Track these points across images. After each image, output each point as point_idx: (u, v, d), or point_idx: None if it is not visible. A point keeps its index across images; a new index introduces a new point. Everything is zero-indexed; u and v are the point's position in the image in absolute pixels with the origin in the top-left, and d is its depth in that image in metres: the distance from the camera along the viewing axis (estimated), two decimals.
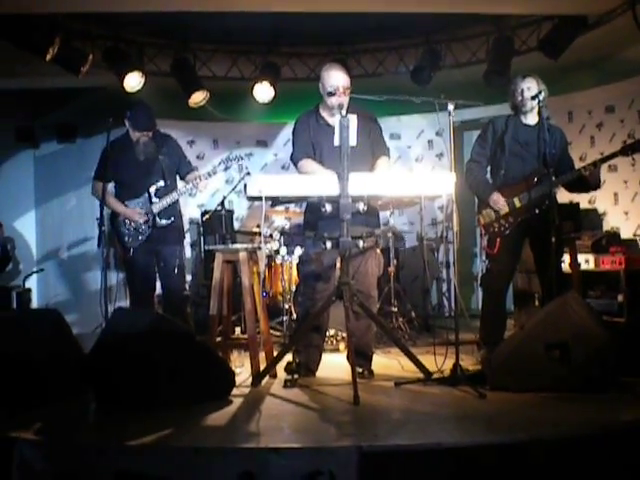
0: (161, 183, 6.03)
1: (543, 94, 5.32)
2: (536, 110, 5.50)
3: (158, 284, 6.24)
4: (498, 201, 5.58)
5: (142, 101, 6.41)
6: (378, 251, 5.70)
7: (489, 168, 5.85)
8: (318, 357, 5.34)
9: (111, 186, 6.18)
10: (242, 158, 6.12)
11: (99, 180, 6.03)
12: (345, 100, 5.12)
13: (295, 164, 5.32)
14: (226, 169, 6.13)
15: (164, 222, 6.03)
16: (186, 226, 9.21)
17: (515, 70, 7.84)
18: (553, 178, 5.41)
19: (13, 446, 3.42)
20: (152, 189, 6.02)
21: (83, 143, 9.58)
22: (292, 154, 5.37)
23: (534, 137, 5.56)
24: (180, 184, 6.16)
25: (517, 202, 5.53)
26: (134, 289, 6.15)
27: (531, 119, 5.65)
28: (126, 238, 6.01)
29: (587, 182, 5.54)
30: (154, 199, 6.02)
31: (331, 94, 5.14)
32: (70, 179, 9.51)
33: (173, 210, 6.10)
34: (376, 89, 5.22)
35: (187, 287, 6.37)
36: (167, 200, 6.00)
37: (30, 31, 7.02)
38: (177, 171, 6.18)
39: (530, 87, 5.52)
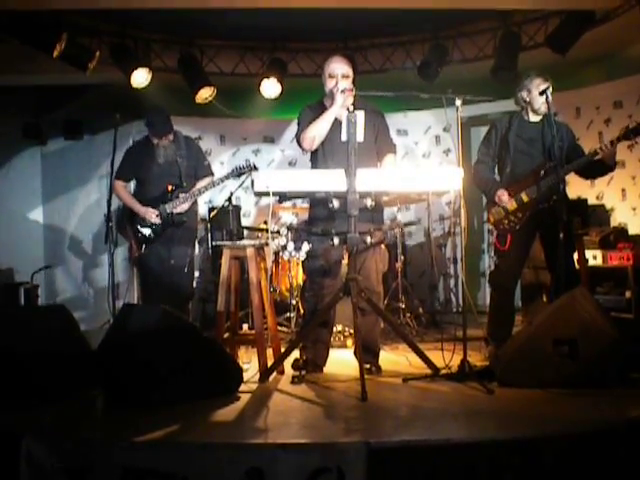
0: (178, 184, 6.20)
1: (550, 89, 5.32)
2: (544, 107, 5.48)
3: None
4: (502, 197, 5.58)
5: (157, 106, 6.59)
6: (383, 247, 5.69)
7: (497, 168, 5.86)
8: (325, 353, 5.34)
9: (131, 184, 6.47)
10: (255, 168, 6.15)
11: (119, 179, 6.30)
12: (345, 85, 5.09)
13: (300, 138, 5.22)
14: (239, 175, 6.21)
15: (177, 222, 6.18)
16: None
17: (523, 66, 7.83)
18: (566, 166, 5.42)
19: (21, 442, 3.43)
20: (168, 190, 6.19)
21: (90, 139, 9.58)
22: (296, 133, 5.29)
23: (539, 133, 5.59)
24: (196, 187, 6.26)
25: (525, 197, 5.53)
26: (146, 285, 6.27)
27: (535, 116, 5.66)
28: (140, 235, 6.15)
29: (603, 163, 5.50)
30: (169, 200, 6.16)
31: (331, 77, 5.14)
32: (77, 175, 9.51)
33: (188, 211, 6.21)
34: (383, 85, 5.24)
35: (194, 285, 6.47)
36: (180, 201, 6.16)
37: (37, 28, 7.04)
38: (194, 173, 6.29)
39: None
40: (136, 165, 6.32)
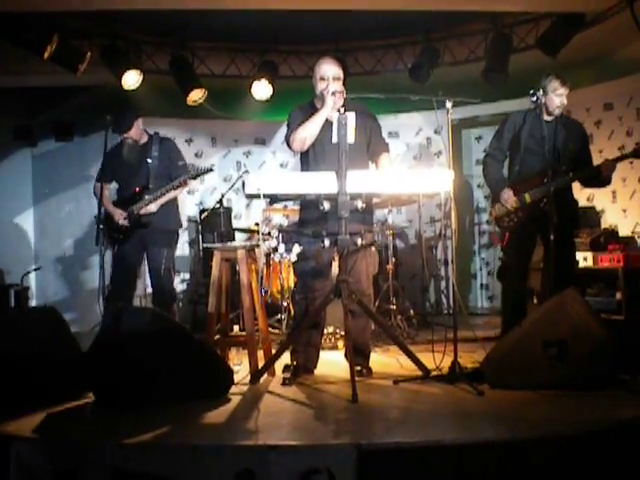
0: (145, 186, 6.21)
1: (541, 91, 5.35)
2: (558, 110, 5.57)
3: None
4: (508, 200, 5.67)
5: (125, 105, 6.60)
6: (373, 249, 5.69)
7: (507, 163, 5.90)
8: (316, 355, 5.33)
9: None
10: (211, 170, 6.25)
11: (98, 181, 6.37)
12: (336, 88, 5.09)
13: (290, 139, 5.21)
14: (195, 177, 6.22)
15: (145, 223, 6.22)
16: (184, 224, 9.25)
17: (513, 68, 7.85)
18: (571, 174, 5.47)
19: (11, 445, 3.42)
20: (136, 191, 6.23)
21: (81, 141, 9.56)
22: (286, 135, 5.28)
23: (551, 133, 5.56)
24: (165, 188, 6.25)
25: (528, 197, 5.58)
26: (112, 282, 6.31)
27: (549, 115, 5.67)
28: (114, 234, 6.20)
29: (600, 178, 5.57)
30: (137, 201, 6.21)
31: (322, 79, 5.14)
32: (68, 177, 9.50)
33: (160, 212, 6.24)
34: (374, 87, 5.23)
35: (173, 287, 6.49)
36: (145, 202, 6.18)
37: (28, 29, 7.02)
38: (169, 174, 6.26)
39: (563, 94, 5.55)
40: (110, 167, 6.33)
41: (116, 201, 6.40)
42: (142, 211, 6.17)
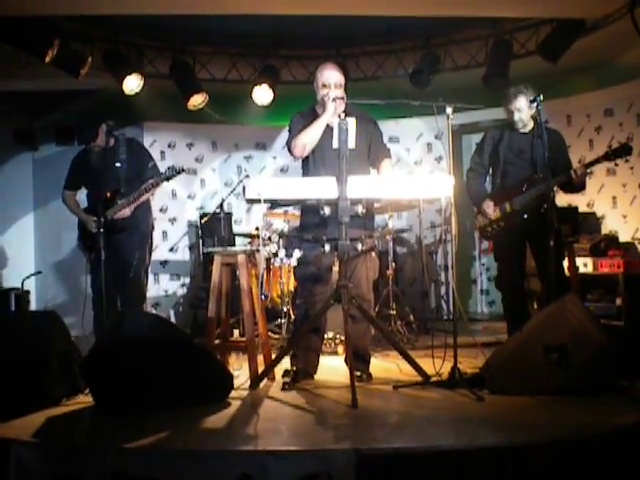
0: (116, 190, 6.14)
1: (541, 97, 5.38)
2: (521, 123, 5.66)
3: None
4: (489, 210, 5.85)
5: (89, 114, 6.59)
6: (374, 254, 5.69)
7: (490, 176, 6.01)
8: (316, 360, 5.33)
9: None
10: (184, 170, 6.16)
11: (66, 189, 6.49)
12: (337, 94, 5.10)
13: (291, 145, 5.19)
14: (167, 179, 6.11)
15: (120, 228, 6.15)
16: (185, 229, 9.26)
17: (514, 74, 7.86)
18: (549, 180, 5.50)
19: (11, 448, 3.42)
20: (107, 196, 6.13)
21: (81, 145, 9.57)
22: (287, 140, 5.27)
23: (528, 144, 5.71)
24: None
25: (507, 207, 5.76)
26: (94, 289, 6.22)
27: (525, 127, 5.75)
28: (88, 242, 6.14)
29: (572, 184, 5.64)
30: (109, 206, 6.11)
31: (324, 86, 5.14)
32: None
33: (133, 216, 6.21)
34: (375, 92, 5.24)
35: (145, 291, 6.48)
36: (119, 207, 6.12)
37: (29, 33, 7.02)
38: (139, 176, 6.24)
39: (520, 108, 5.65)
40: (78, 174, 6.37)
41: (87, 208, 6.34)
42: (116, 216, 6.10)
